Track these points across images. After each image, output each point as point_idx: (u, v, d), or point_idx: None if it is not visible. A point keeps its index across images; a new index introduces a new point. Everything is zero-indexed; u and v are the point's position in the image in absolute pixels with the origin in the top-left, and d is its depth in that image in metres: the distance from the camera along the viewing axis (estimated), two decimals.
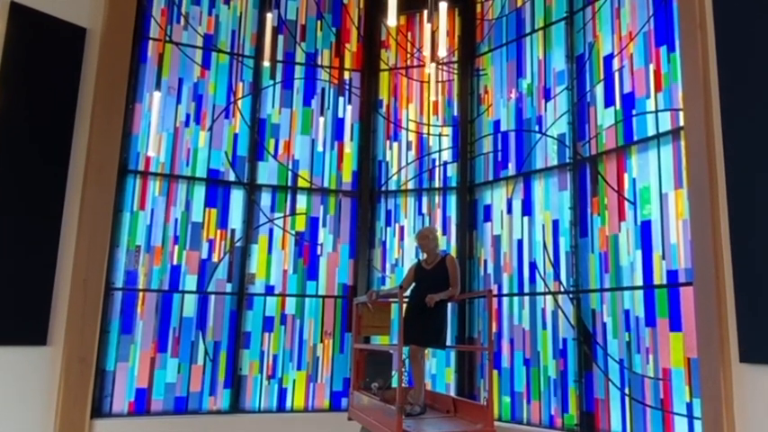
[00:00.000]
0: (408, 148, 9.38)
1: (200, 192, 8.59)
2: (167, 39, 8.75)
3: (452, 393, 8.14)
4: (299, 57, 9.47)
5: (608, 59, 7.52)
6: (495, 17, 9.13)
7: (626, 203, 7.01)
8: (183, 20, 8.89)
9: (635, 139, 7.00)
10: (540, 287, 7.85)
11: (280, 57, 9.35)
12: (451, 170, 9.08)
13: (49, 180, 7.35)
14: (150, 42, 8.64)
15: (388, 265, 9.11)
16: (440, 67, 9.28)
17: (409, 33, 9.73)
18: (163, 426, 7.81)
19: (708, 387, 5.48)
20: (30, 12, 7.40)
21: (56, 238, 7.33)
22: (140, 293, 8.09)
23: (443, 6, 6.33)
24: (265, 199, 8.92)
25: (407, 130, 9.43)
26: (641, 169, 6.91)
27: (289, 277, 8.83)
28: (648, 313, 6.55)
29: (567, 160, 7.77)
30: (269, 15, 7.47)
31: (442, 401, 6.82)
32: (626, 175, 7.07)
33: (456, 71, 9.35)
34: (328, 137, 9.35)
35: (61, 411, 7.11)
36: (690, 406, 6.02)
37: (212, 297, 8.40)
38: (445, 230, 8.93)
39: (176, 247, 8.36)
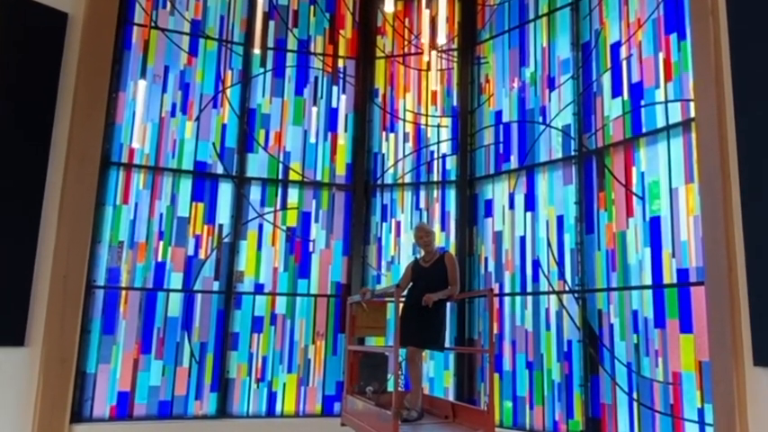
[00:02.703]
0: (405, 139, 9.33)
1: (186, 185, 8.53)
2: (153, 24, 8.68)
3: (451, 398, 8.10)
4: (291, 43, 9.40)
5: (615, 47, 7.48)
6: (497, 2, 9.06)
7: (634, 198, 6.97)
8: (169, 5, 8.81)
9: (644, 130, 6.97)
10: (544, 286, 7.81)
11: (270, 43, 9.28)
12: (451, 163, 9.03)
13: (28, 172, 7.27)
14: (135, 28, 8.58)
15: (383, 263, 9.07)
16: (439, 54, 9.23)
17: (407, 19, 9.66)
18: (146, 431, 7.76)
19: (720, 392, 5.44)
20: None
21: (34, 232, 7.25)
22: (123, 292, 8.04)
23: None
24: (255, 193, 8.86)
25: (404, 120, 9.38)
26: (650, 163, 6.87)
27: (279, 275, 8.78)
28: (658, 314, 6.51)
29: (573, 153, 7.73)
30: (259, 0, 7.40)
31: (441, 406, 6.76)
32: (634, 169, 7.03)
33: (456, 59, 9.29)
34: (321, 128, 9.30)
35: (39, 416, 7.04)
36: (701, 412, 5.98)
37: (199, 296, 8.35)
38: (444, 226, 8.88)
39: (161, 243, 8.30)
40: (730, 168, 5.59)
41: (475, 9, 9.31)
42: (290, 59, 9.36)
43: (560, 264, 7.67)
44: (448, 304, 6.80)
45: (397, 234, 9.09)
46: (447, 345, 7.06)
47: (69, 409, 7.34)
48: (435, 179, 9.07)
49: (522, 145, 8.39)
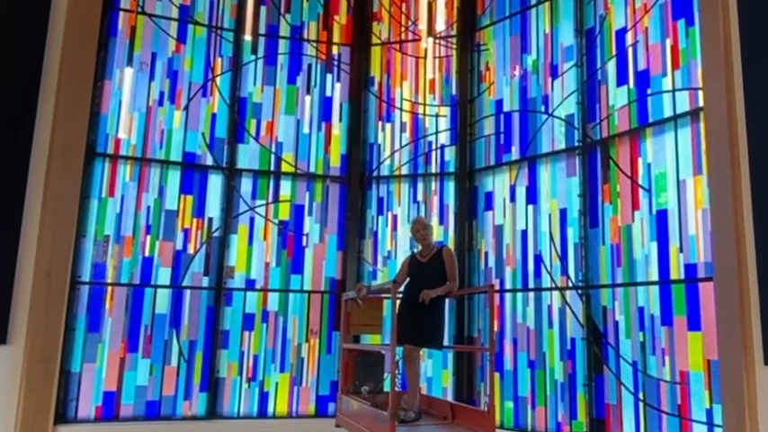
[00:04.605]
0: (402, 129, 9.29)
1: (174, 177, 8.49)
2: (139, 10, 8.63)
3: (450, 398, 8.10)
4: (284, 30, 9.35)
5: (621, 34, 7.45)
6: None
7: (640, 191, 6.94)
8: None
9: (650, 120, 6.94)
10: (546, 282, 7.79)
11: (262, 30, 9.22)
12: (449, 154, 9.00)
13: (10, 164, 7.20)
14: (121, 14, 8.53)
15: (379, 258, 9.04)
16: (437, 41, 9.20)
17: (404, 5, 9.61)
18: None
19: (729, 392, 5.42)
20: None
21: (17, 227, 7.19)
22: (109, 288, 8.00)
23: None
24: (246, 185, 8.83)
25: (401, 110, 9.34)
26: (657, 154, 6.85)
27: (271, 270, 8.75)
28: (664, 311, 6.49)
29: (576, 143, 7.70)
30: None
31: (439, 407, 6.76)
32: (640, 160, 7.01)
33: (455, 46, 9.25)
34: (315, 117, 9.25)
35: (22, 417, 6.99)
36: (710, 412, 5.97)
37: (187, 292, 8.31)
38: (443, 220, 8.85)
39: (148, 237, 8.26)
40: (740, 159, 5.58)
41: None
42: (283, 46, 9.32)
43: (563, 259, 7.65)
44: (446, 301, 6.81)
45: (394, 228, 9.06)
46: (446, 343, 7.06)
47: (53, 410, 7.29)
48: (433, 171, 9.04)
49: (523, 135, 8.36)
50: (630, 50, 7.29)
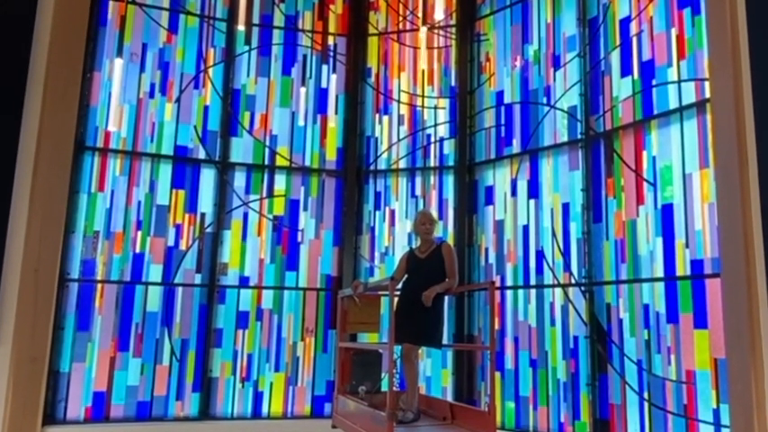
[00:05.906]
0: (400, 122, 9.26)
1: (166, 171, 8.46)
2: None
3: (450, 398, 8.08)
4: (278, 20, 9.31)
5: (625, 23, 7.42)
6: None
7: (645, 185, 6.92)
8: None
9: (655, 112, 6.92)
10: (549, 279, 7.77)
11: (256, 20, 9.17)
12: (449, 147, 8.97)
13: None
14: (110, 3, 8.49)
15: (377, 254, 9.01)
16: (435, 31, 9.17)
17: None
18: None
19: (737, 391, 5.40)
20: None
21: (4, 222, 7.17)
22: (99, 285, 7.97)
23: None
24: (239, 179, 8.79)
25: (399, 101, 9.31)
26: (662, 146, 6.83)
27: (265, 267, 8.72)
28: (670, 308, 6.47)
29: (579, 136, 7.68)
30: None
31: (439, 407, 6.73)
32: (645, 153, 6.99)
33: (454, 36, 9.21)
34: (310, 109, 9.22)
35: (9, 418, 6.97)
36: (716, 412, 5.95)
37: (179, 289, 8.28)
38: (442, 215, 8.82)
39: (139, 232, 8.22)
40: (748, 152, 5.55)
41: None
42: (277, 37, 9.28)
43: (566, 255, 7.63)
44: (446, 298, 6.77)
45: (392, 223, 9.03)
46: (445, 341, 7.03)
47: (41, 411, 7.28)
48: (432, 164, 9.01)
49: (524, 128, 8.34)
50: (635, 40, 7.27)
